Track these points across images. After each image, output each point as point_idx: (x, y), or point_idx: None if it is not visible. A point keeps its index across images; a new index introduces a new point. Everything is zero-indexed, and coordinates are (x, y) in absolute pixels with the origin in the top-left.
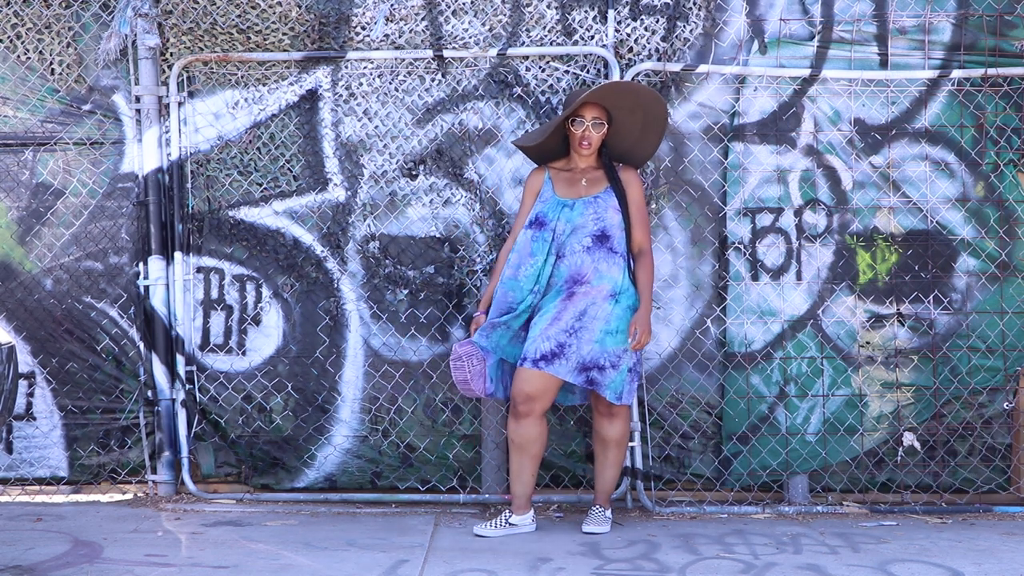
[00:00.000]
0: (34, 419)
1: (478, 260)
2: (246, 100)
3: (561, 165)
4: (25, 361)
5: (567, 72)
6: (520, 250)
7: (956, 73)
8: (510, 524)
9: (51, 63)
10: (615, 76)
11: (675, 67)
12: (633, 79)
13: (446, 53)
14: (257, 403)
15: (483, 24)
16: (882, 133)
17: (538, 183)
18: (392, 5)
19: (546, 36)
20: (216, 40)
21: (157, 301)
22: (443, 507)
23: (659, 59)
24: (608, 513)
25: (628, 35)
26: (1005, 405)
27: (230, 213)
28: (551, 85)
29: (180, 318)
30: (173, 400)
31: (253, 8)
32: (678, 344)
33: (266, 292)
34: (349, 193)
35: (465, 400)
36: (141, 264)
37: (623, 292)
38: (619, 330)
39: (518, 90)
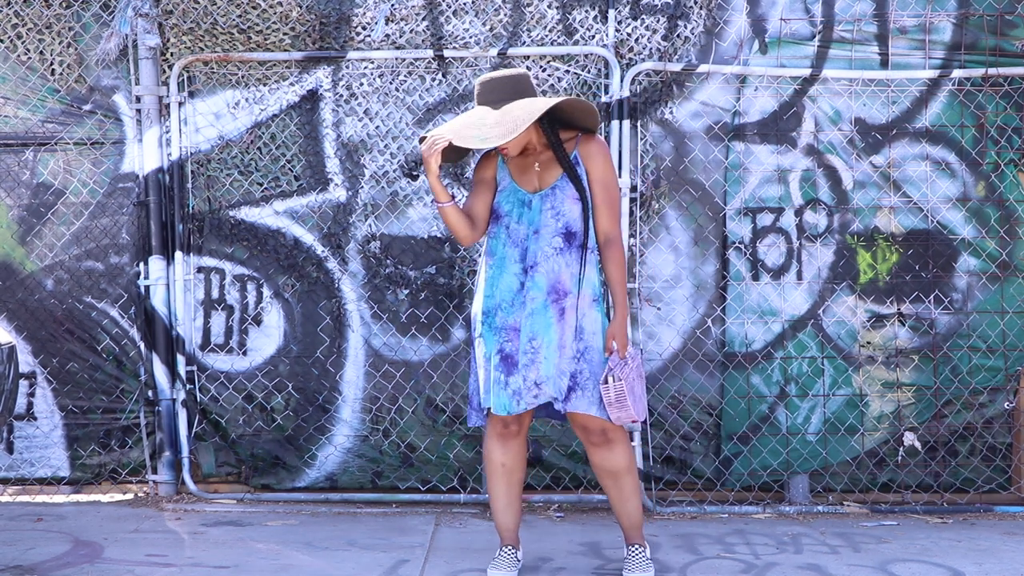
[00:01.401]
0: (35, 419)
1: (479, 260)
2: (247, 100)
3: None
4: (26, 361)
5: (568, 72)
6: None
7: (957, 73)
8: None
9: (52, 63)
10: (616, 76)
11: (676, 67)
12: (633, 79)
13: (447, 53)
14: (258, 403)
15: (484, 24)
16: (883, 133)
17: (491, 170)
18: (392, 5)
19: (547, 36)
20: (217, 40)
21: (158, 301)
22: (444, 507)
23: (660, 58)
24: (648, 552)
25: (629, 35)
26: (1006, 405)
27: (231, 213)
28: (552, 85)
29: (180, 318)
30: (173, 400)
31: (254, 8)
32: (679, 344)
33: (267, 292)
34: (350, 193)
35: (465, 400)
36: (142, 264)
37: (602, 294)
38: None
39: None
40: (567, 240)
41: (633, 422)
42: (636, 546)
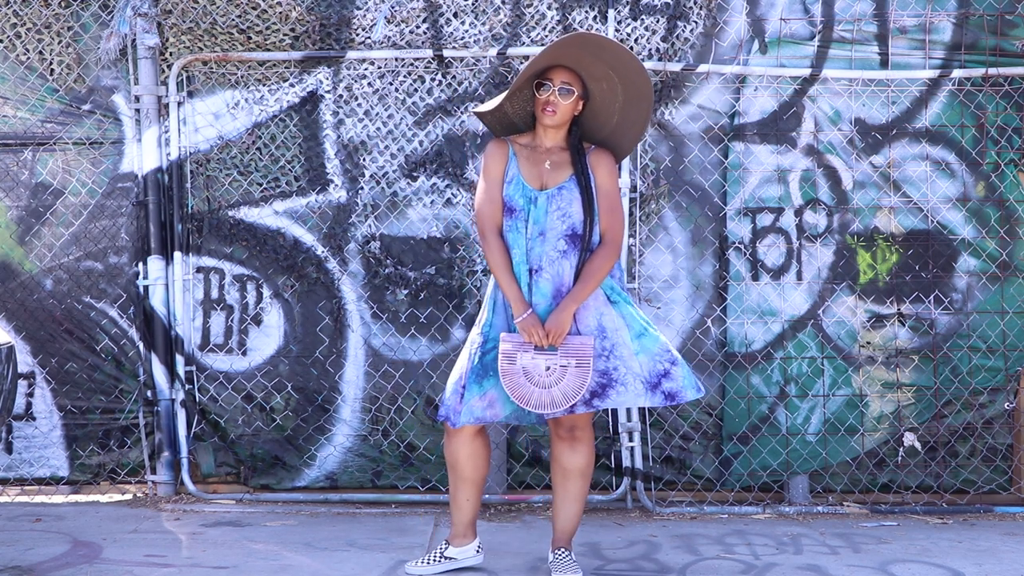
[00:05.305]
0: (34, 419)
1: (478, 260)
2: (246, 100)
3: (526, 141)
4: (25, 361)
5: None
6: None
7: (957, 73)
8: (446, 558)
9: (51, 63)
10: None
11: (675, 67)
12: None
13: (446, 53)
14: (257, 403)
15: (483, 25)
16: (883, 133)
17: (503, 155)
18: (392, 6)
19: (547, 36)
20: (216, 40)
21: (156, 301)
22: (443, 507)
23: (659, 59)
24: (573, 556)
25: (628, 35)
26: (1006, 405)
27: (230, 213)
28: None
29: (179, 318)
30: (172, 400)
31: (253, 8)
32: (679, 344)
33: (266, 292)
34: (350, 193)
35: None
36: (141, 264)
37: (612, 289)
38: (646, 326)
39: None
40: (572, 242)
41: (559, 411)
42: (564, 550)
